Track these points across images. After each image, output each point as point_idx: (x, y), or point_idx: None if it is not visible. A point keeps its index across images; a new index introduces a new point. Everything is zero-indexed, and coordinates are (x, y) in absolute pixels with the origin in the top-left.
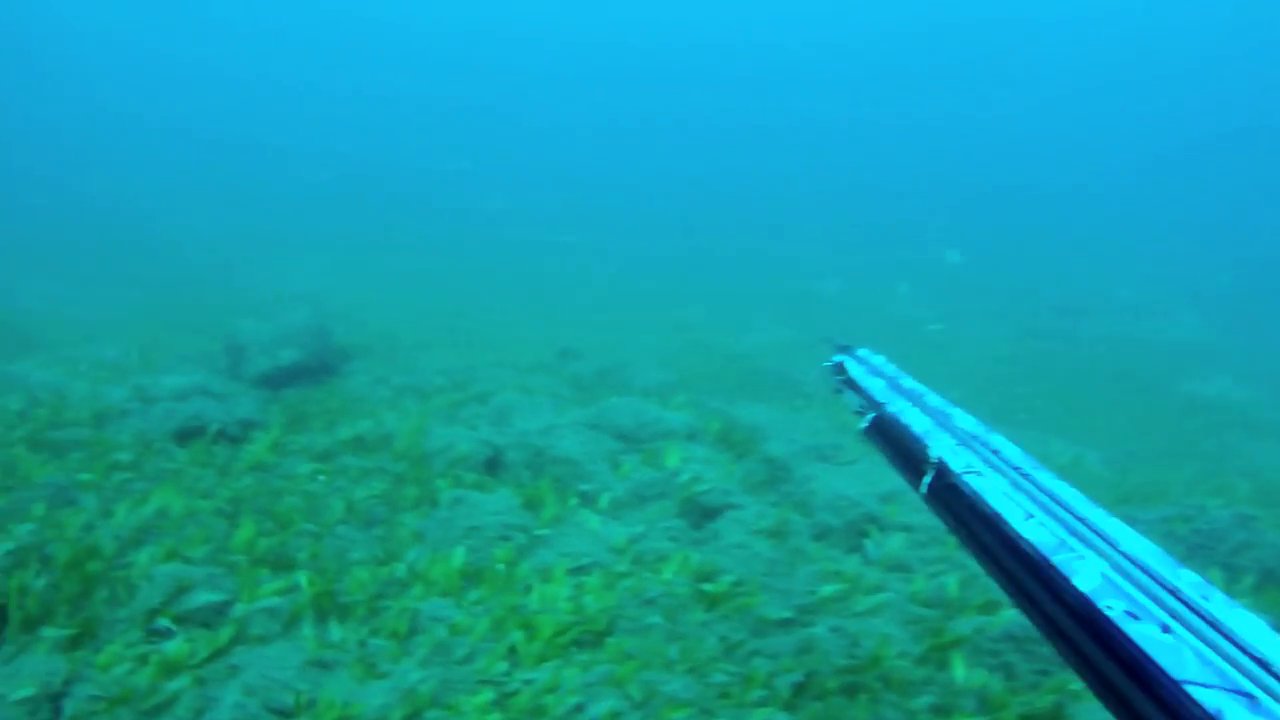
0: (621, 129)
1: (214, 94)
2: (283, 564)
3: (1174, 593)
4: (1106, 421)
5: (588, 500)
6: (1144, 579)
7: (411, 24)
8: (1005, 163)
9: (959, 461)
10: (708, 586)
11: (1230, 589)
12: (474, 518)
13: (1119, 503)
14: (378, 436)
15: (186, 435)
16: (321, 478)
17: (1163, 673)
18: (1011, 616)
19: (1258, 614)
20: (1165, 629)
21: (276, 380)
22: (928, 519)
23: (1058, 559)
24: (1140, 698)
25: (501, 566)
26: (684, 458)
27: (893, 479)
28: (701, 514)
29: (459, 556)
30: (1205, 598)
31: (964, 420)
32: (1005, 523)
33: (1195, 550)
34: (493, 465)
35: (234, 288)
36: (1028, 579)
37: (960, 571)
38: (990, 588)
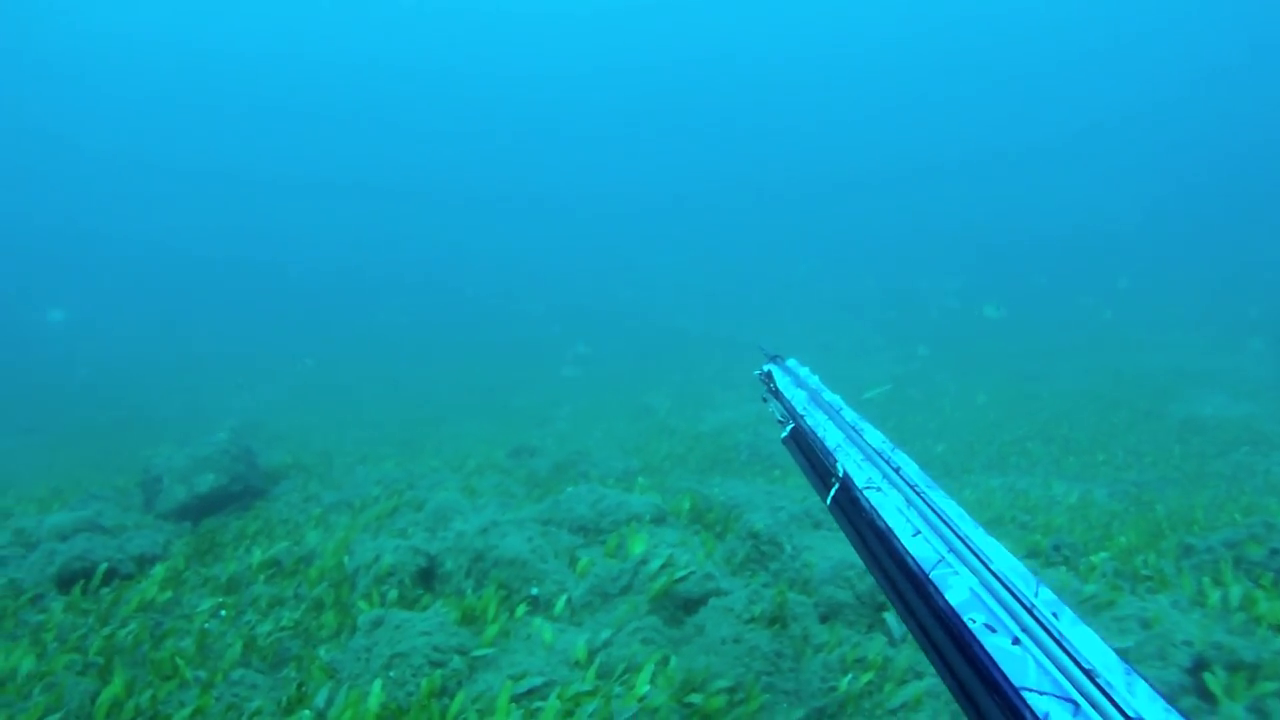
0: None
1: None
2: None
3: (1030, 609)
4: (1106, 455)
5: (539, 606)
6: (1006, 595)
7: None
8: (1018, 212)
9: (862, 476)
10: (696, 698)
11: None
12: (399, 642)
13: (1158, 536)
14: (295, 558)
15: (71, 578)
16: (224, 613)
17: (1007, 679)
18: None
19: (1094, 629)
20: (1015, 641)
21: (196, 510)
22: None
23: (935, 574)
24: (987, 701)
25: (431, 700)
26: (653, 543)
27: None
28: (679, 606)
29: (376, 694)
30: (1056, 615)
31: (873, 436)
32: (895, 537)
33: None
34: (426, 577)
35: (170, 419)
36: (908, 590)
37: None
38: None
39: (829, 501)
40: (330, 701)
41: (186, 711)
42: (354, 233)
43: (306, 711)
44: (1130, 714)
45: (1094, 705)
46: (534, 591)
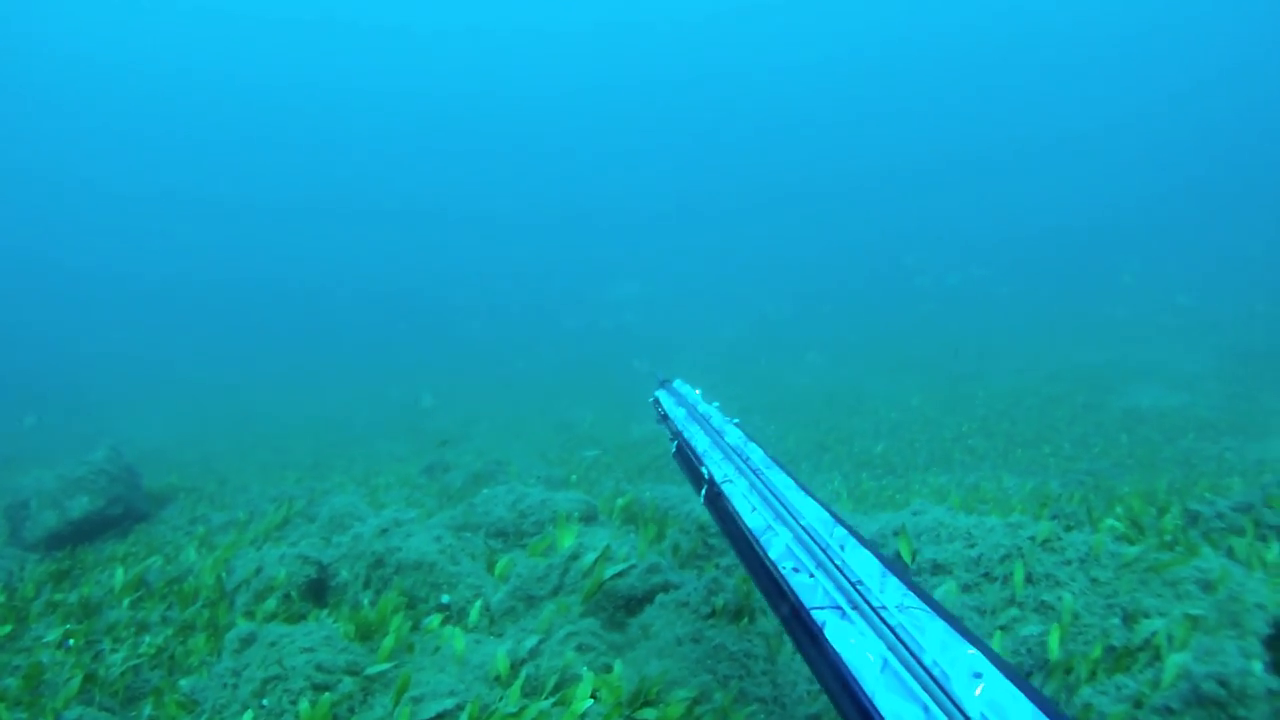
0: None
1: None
2: None
3: (824, 548)
4: (1052, 447)
5: (452, 615)
6: (810, 541)
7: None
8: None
9: (720, 472)
10: (649, 714)
11: None
12: (274, 663)
13: (1161, 506)
14: (167, 579)
15: None
16: (71, 643)
17: (801, 603)
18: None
19: (869, 550)
20: (810, 575)
21: (70, 537)
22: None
23: (763, 538)
24: (795, 624)
25: None
26: (584, 540)
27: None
28: (620, 606)
29: None
30: (843, 547)
31: (732, 435)
32: (740, 517)
33: None
34: (318, 590)
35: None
36: (750, 555)
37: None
38: None
39: (702, 500)
40: None
41: None
42: (260, 250)
43: None
44: (876, 604)
45: (854, 606)
46: (444, 599)
